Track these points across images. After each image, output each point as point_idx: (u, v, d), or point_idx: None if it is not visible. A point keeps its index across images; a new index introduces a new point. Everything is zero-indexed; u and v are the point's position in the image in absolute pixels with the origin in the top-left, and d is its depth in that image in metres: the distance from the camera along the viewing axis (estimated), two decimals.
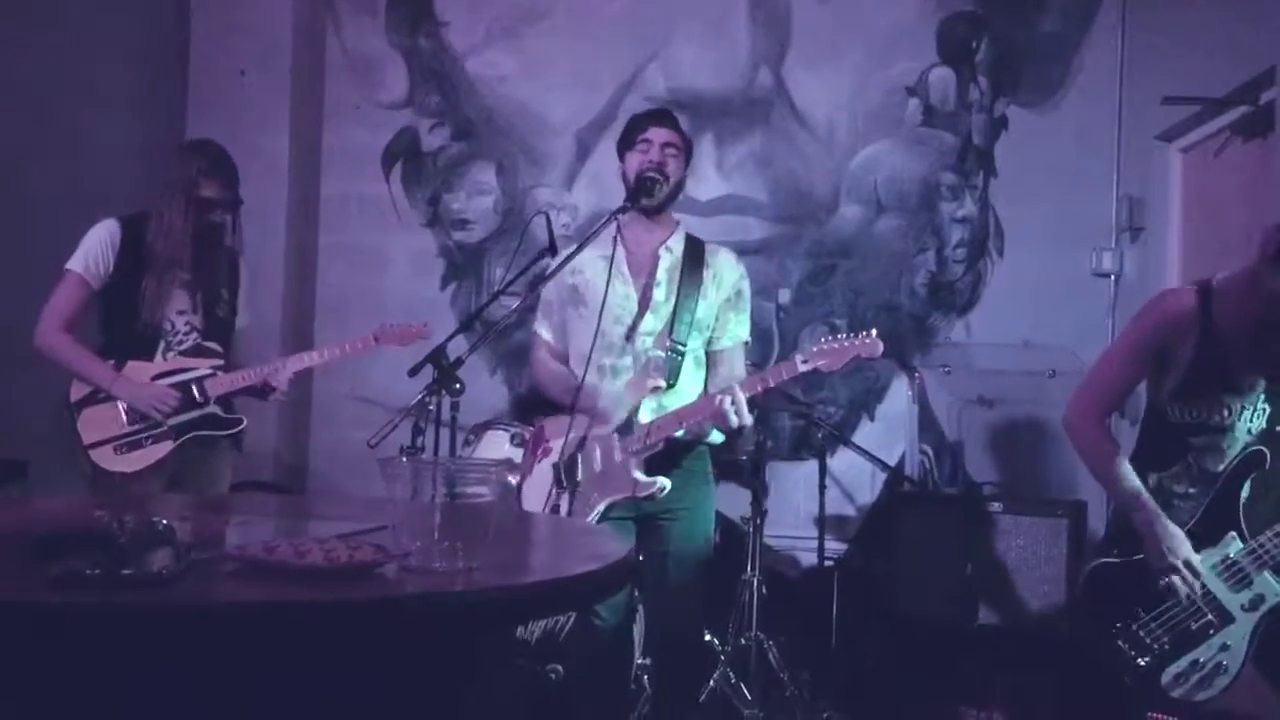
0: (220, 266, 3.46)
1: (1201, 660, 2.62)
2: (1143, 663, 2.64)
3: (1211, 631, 2.63)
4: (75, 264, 3.34)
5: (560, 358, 3.17)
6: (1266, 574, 2.62)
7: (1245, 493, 2.64)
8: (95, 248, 3.33)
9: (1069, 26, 5.01)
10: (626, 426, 2.95)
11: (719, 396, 2.82)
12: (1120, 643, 2.67)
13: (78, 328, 3.38)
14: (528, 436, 4.17)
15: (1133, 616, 2.67)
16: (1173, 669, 2.63)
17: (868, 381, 5.05)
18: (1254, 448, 2.64)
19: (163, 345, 3.37)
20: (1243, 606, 2.62)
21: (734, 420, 2.79)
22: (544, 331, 3.20)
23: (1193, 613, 2.64)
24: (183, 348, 3.39)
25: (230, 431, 3.49)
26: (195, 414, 3.38)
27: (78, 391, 3.35)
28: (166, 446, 3.34)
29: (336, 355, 3.61)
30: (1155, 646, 2.65)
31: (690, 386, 3.06)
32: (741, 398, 2.79)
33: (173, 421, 3.34)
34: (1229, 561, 2.63)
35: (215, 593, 1.44)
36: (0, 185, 4.39)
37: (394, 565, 1.52)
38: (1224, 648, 2.62)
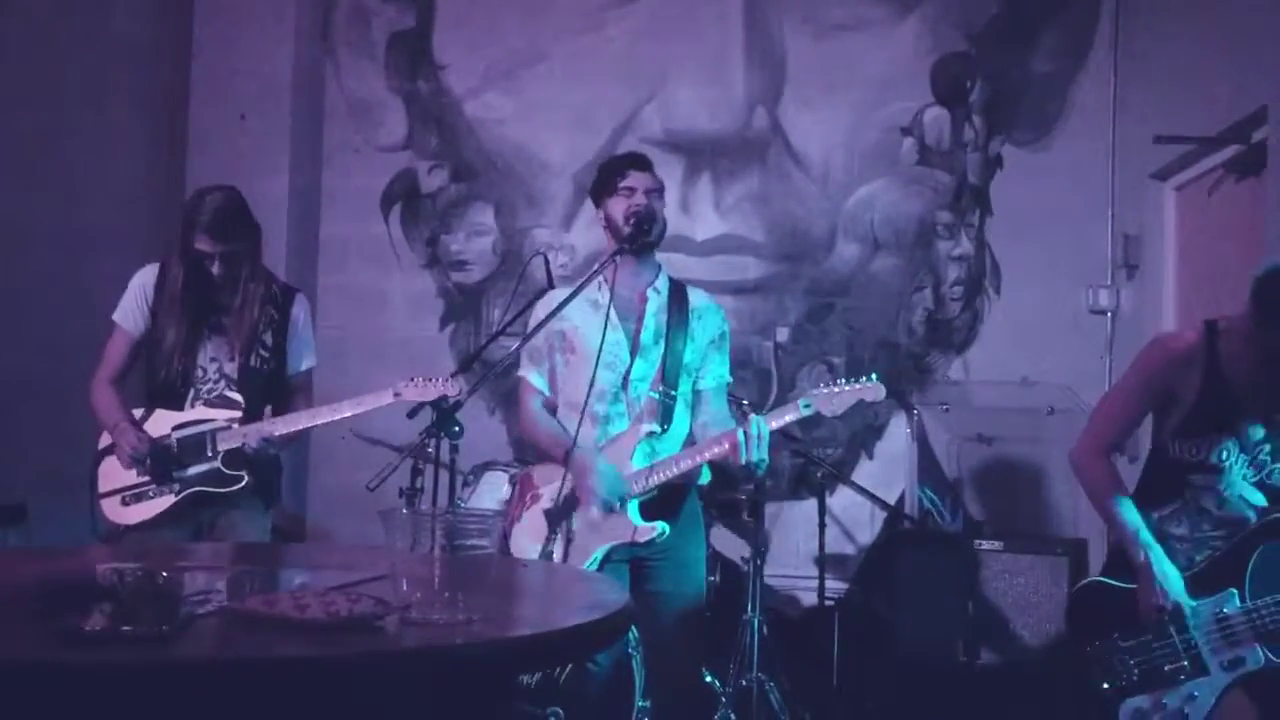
0: (249, 312, 3.25)
1: (1166, 704, 2.61)
2: (1105, 686, 2.65)
3: (1183, 678, 2.61)
4: (116, 313, 3.29)
5: (553, 406, 3.12)
6: (1256, 644, 2.58)
7: (1258, 554, 2.63)
8: (129, 296, 3.28)
9: (1061, 66, 5.05)
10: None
11: (739, 428, 2.83)
12: (1090, 662, 2.69)
13: (128, 376, 3.31)
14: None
15: (1109, 640, 2.69)
16: (1134, 703, 2.63)
17: (866, 420, 5.05)
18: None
19: (192, 394, 3.25)
20: (1221, 664, 2.60)
21: (754, 453, 2.80)
22: (535, 379, 3.12)
23: (1169, 655, 2.63)
24: (209, 397, 3.25)
25: (228, 489, 3.22)
26: (202, 468, 3.21)
27: (104, 440, 3.27)
28: (167, 500, 3.20)
29: (341, 415, 3.27)
30: (1123, 675, 2.65)
31: (682, 430, 3.07)
32: (765, 431, 2.81)
33: (177, 475, 3.21)
34: (1222, 616, 2.62)
35: (215, 648, 1.44)
36: (1, 230, 4.40)
37: (394, 618, 1.52)
38: (1190, 698, 2.60)
